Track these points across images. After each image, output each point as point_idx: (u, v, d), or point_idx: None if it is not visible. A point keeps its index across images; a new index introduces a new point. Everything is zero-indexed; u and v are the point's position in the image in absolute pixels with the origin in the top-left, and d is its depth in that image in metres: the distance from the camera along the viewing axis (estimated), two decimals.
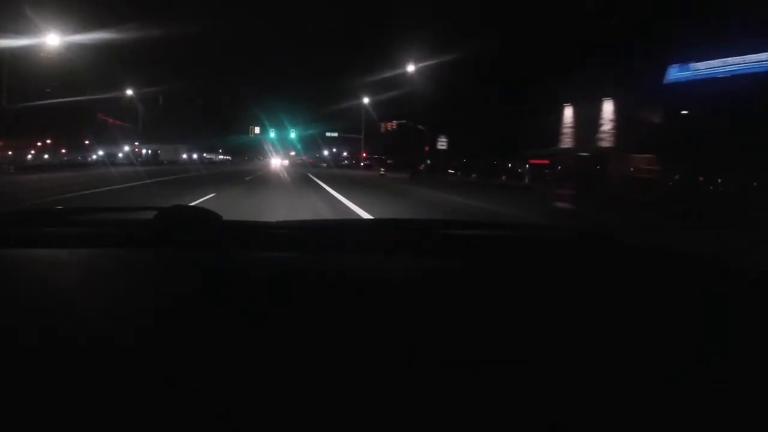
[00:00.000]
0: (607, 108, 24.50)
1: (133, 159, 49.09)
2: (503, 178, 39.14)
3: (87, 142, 51.96)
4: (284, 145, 79.11)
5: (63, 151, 51.70)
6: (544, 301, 0.81)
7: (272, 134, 62.14)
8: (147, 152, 66.64)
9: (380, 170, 36.22)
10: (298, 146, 73.23)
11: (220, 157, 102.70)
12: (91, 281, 0.85)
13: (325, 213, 9.27)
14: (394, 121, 37.01)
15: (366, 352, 0.59)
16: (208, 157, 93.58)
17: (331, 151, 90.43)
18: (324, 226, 1.37)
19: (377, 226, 1.49)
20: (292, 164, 67.00)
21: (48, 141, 51.49)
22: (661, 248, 1.18)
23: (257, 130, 62.40)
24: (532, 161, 35.32)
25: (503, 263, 1.06)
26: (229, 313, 0.70)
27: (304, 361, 0.57)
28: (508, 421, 0.48)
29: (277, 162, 60.47)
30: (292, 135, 63.36)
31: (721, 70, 19.55)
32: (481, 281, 0.92)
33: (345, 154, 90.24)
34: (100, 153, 50.71)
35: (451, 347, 0.62)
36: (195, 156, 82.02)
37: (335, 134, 61.78)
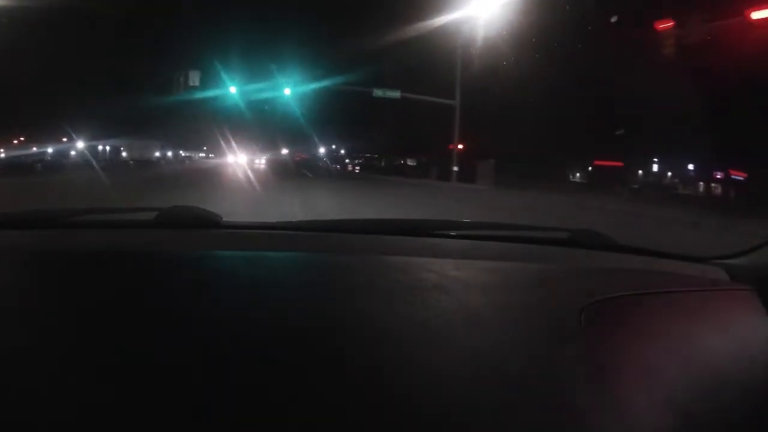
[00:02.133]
0: None
1: (90, 158, 36.30)
2: None
3: (65, 139, 41.75)
4: (267, 128, 40.91)
5: (34, 149, 41.66)
6: (541, 299, 0.82)
7: (232, 90, 22.04)
8: (105, 149, 48.19)
9: None
10: (298, 114, 28.02)
11: (201, 155, 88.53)
12: (90, 282, 0.85)
13: None
14: None
15: (364, 351, 0.61)
16: (186, 155, 79.18)
17: (330, 148, 52.58)
18: (324, 226, 1.35)
19: (377, 225, 1.45)
20: (281, 169, 31.29)
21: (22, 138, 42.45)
22: (649, 247, 1.21)
23: (195, 81, 21.19)
24: None
25: (502, 262, 1.07)
26: (228, 312, 0.71)
27: (303, 359, 0.58)
28: (508, 420, 0.49)
29: (242, 162, 32.34)
30: (287, 92, 22.61)
31: None
32: (480, 280, 0.92)
33: (343, 151, 57.10)
34: (50, 150, 40.09)
35: (451, 346, 0.63)
36: (170, 154, 65.66)
37: (395, 93, 22.02)
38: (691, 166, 32.82)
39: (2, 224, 1.23)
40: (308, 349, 0.61)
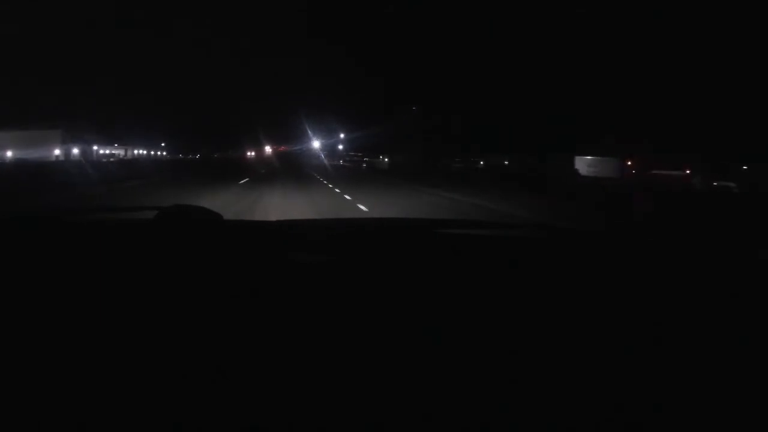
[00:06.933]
0: None
1: None
2: None
3: None
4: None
5: None
6: (541, 298, 0.83)
7: None
8: None
9: None
10: None
11: (142, 151, 58.38)
12: (91, 281, 0.84)
13: None
14: None
15: (363, 351, 0.61)
16: (114, 154, 54.81)
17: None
18: (324, 225, 1.39)
19: (378, 225, 1.48)
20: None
21: None
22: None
23: None
24: None
25: (502, 261, 1.08)
26: (228, 311, 0.72)
27: (301, 359, 0.59)
28: (506, 417, 0.50)
29: None
30: None
31: None
32: (479, 279, 0.93)
33: (341, 147, 47.24)
34: None
35: (450, 344, 0.64)
36: (75, 151, 44.79)
37: None
38: None
39: (2, 224, 1.23)
40: (307, 348, 0.62)
